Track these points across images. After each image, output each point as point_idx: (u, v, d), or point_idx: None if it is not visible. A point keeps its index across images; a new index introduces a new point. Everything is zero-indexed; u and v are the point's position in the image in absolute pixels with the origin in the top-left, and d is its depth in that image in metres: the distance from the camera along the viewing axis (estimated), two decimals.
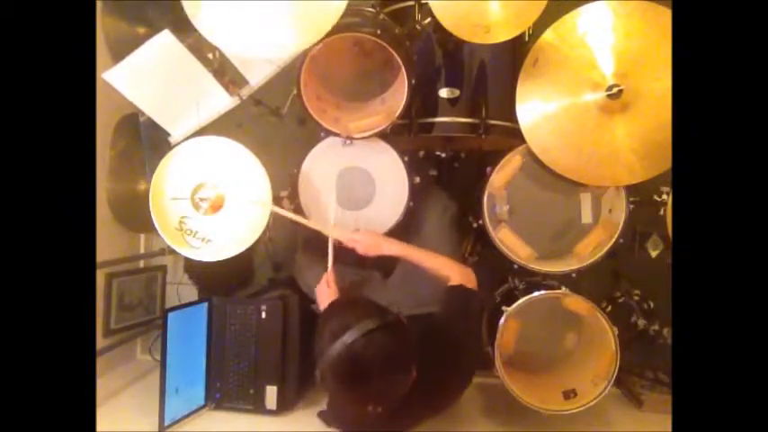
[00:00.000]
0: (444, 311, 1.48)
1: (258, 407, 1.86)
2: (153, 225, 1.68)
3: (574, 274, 1.72)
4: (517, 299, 1.68)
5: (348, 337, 1.11)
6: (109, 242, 2.19)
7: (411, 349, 1.21)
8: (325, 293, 1.60)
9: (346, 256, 1.67)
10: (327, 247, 1.68)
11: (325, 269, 1.64)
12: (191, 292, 2.32)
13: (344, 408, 1.46)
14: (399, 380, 1.18)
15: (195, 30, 1.48)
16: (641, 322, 2.09)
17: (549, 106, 1.61)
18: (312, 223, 1.72)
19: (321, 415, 1.66)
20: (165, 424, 1.76)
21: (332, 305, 1.36)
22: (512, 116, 1.65)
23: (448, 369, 1.38)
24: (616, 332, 1.64)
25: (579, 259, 1.72)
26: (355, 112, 1.80)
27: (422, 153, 1.96)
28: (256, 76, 1.76)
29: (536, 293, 1.67)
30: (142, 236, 2.42)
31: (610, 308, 2.08)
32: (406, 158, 1.74)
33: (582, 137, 1.60)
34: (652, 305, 2.11)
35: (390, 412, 1.25)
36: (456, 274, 1.53)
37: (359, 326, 1.13)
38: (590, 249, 1.72)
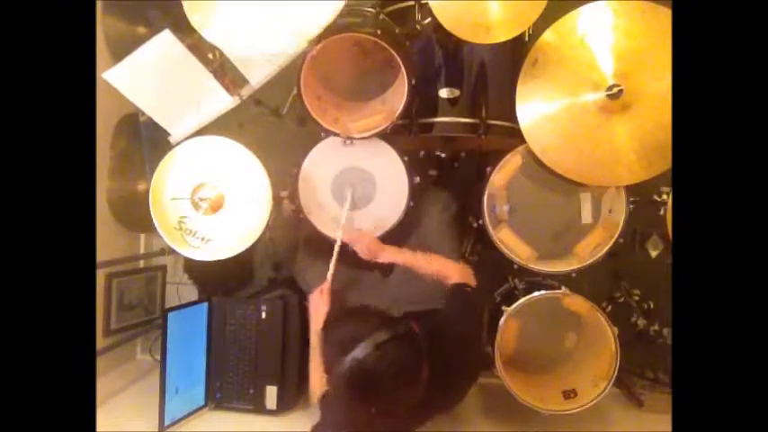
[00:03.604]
0: (447, 310, 1.48)
1: (258, 407, 1.86)
2: (153, 225, 1.68)
3: (574, 274, 1.72)
4: (517, 299, 1.68)
5: (360, 352, 1.10)
6: (109, 242, 2.19)
7: (422, 357, 1.20)
8: (318, 302, 1.60)
9: (348, 255, 1.67)
10: (328, 247, 1.68)
11: (327, 268, 1.64)
12: (191, 292, 2.32)
13: (352, 418, 1.45)
14: (412, 390, 1.18)
15: (195, 30, 1.48)
16: (641, 322, 2.08)
17: (549, 106, 1.61)
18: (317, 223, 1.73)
19: (321, 399, 1.62)
20: (165, 424, 1.76)
21: (341, 314, 1.35)
22: (512, 116, 1.65)
23: (453, 366, 1.38)
24: (616, 332, 1.64)
25: (579, 259, 1.72)
26: (355, 112, 1.80)
27: (422, 153, 1.96)
28: (256, 76, 1.76)
29: (536, 293, 1.67)
30: (142, 236, 2.42)
31: (610, 308, 2.07)
32: (406, 158, 1.74)
33: (582, 137, 1.60)
34: (652, 305, 2.11)
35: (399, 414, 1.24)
36: (455, 273, 1.53)
37: (371, 338, 1.12)
38: (590, 249, 1.72)
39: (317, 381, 1.54)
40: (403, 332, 1.17)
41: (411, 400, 1.19)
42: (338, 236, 1.68)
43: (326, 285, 1.62)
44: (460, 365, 1.41)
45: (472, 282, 1.53)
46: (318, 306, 1.60)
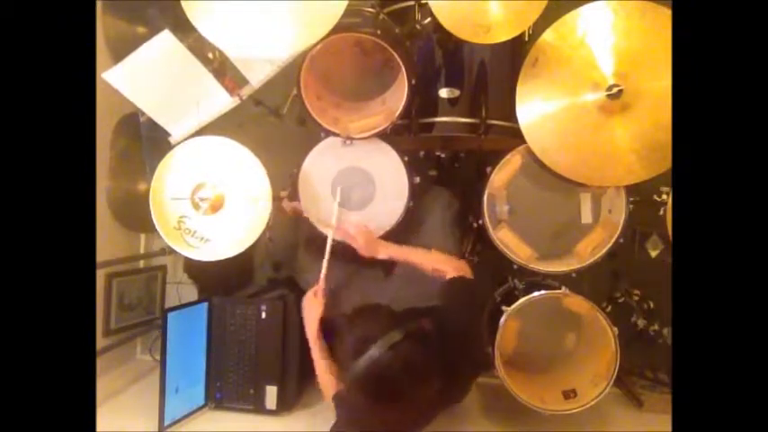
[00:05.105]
0: (447, 303, 1.48)
1: (258, 407, 1.85)
2: (153, 225, 1.68)
3: (574, 274, 1.72)
4: (517, 299, 1.68)
5: (375, 352, 1.12)
6: (109, 242, 2.19)
7: (433, 355, 1.22)
8: (312, 304, 1.61)
9: (348, 252, 1.67)
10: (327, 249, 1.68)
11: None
12: (191, 292, 2.32)
13: (368, 416, 1.45)
14: (426, 387, 1.20)
15: (195, 30, 1.48)
16: (641, 322, 2.09)
17: (549, 106, 1.61)
18: (314, 220, 1.74)
19: (335, 398, 1.57)
20: (165, 424, 1.76)
21: (353, 315, 1.35)
22: (512, 116, 1.65)
23: (458, 359, 1.38)
24: (616, 332, 1.64)
25: (579, 259, 1.72)
26: (355, 112, 1.80)
27: (422, 153, 1.96)
28: (256, 76, 1.76)
29: (536, 293, 1.66)
30: (142, 236, 2.42)
31: (610, 308, 2.08)
32: (406, 158, 1.74)
33: (582, 137, 1.60)
34: (652, 305, 2.11)
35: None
36: (451, 268, 1.54)
37: (384, 339, 1.13)
38: (590, 249, 1.72)
39: (326, 381, 1.56)
40: (414, 331, 1.19)
41: (425, 397, 1.20)
42: (329, 234, 1.69)
43: (320, 287, 1.63)
44: (465, 357, 1.42)
45: (469, 275, 1.54)
46: (312, 308, 1.60)
